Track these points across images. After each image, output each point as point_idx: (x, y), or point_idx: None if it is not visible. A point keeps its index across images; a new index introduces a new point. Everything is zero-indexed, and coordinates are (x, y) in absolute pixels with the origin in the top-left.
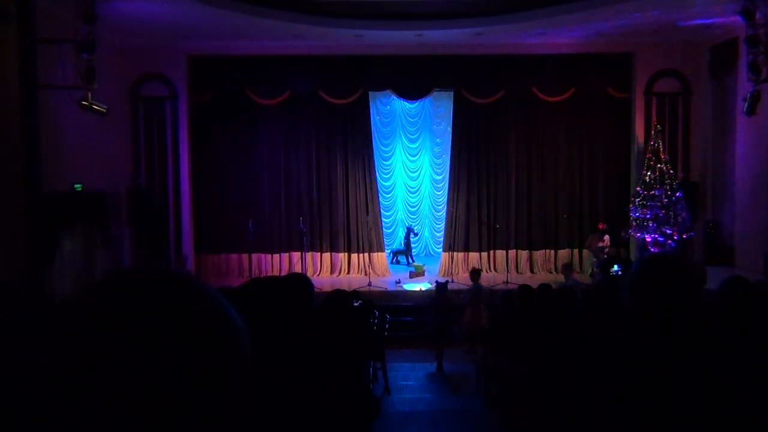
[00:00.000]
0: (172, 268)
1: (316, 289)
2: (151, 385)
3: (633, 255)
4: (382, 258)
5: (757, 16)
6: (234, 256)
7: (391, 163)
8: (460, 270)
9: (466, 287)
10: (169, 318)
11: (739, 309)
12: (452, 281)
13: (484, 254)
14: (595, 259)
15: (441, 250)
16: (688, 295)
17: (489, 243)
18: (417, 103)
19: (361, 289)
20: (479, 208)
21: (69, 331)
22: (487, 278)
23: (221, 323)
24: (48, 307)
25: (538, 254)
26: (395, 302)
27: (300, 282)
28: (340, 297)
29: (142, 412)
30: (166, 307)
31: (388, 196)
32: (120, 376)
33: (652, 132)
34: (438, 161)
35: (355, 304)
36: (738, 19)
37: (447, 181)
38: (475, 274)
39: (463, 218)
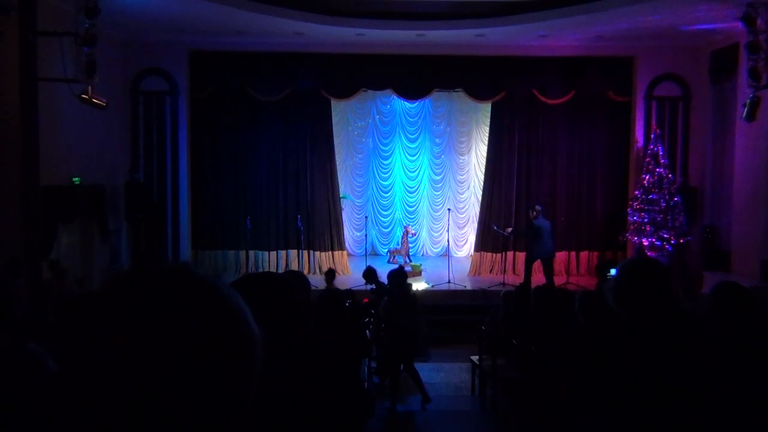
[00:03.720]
0: (193, 267)
1: (312, 287)
2: (163, 386)
3: None
4: (344, 256)
5: (759, 22)
6: (231, 252)
7: (390, 162)
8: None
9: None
10: (187, 318)
11: (730, 313)
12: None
13: (486, 255)
14: None
15: (438, 250)
16: (667, 296)
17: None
18: (417, 102)
19: (357, 289)
20: (489, 208)
21: (82, 328)
22: (488, 280)
23: (239, 328)
24: (47, 302)
25: None
26: None
27: (297, 280)
28: (334, 296)
29: (152, 411)
30: (185, 308)
31: (386, 195)
32: (131, 375)
33: (652, 136)
34: (437, 161)
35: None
36: (739, 25)
37: (448, 182)
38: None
39: (483, 218)
